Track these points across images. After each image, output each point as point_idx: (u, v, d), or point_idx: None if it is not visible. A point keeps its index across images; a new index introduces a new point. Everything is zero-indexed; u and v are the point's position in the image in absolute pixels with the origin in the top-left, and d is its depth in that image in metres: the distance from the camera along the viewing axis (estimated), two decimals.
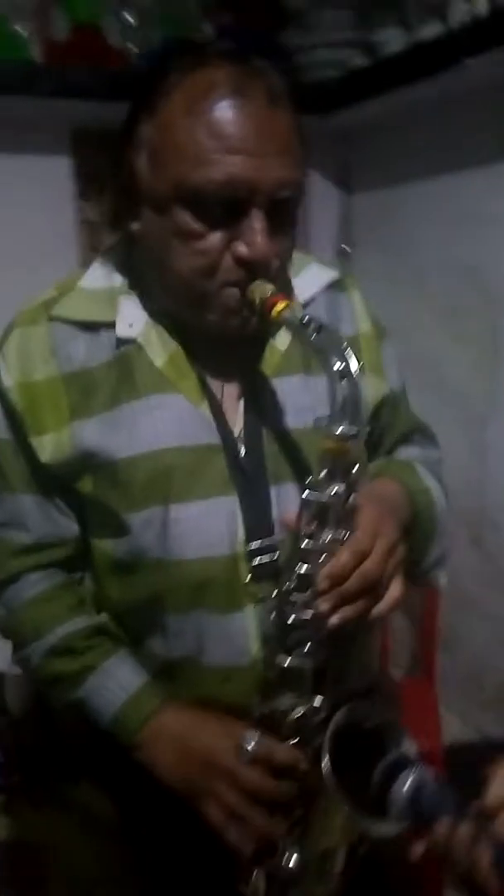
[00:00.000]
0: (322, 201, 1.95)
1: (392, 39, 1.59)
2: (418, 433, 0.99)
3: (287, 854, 0.78)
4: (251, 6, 1.72)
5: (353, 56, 1.66)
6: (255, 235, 0.72)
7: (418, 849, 0.66)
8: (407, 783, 0.68)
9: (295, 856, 0.78)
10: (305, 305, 0.87)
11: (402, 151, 1.76)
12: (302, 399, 0.82)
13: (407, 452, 0.96)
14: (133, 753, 0.81)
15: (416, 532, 0.85)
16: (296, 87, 1.72)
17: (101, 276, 0.83)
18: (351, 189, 1.96)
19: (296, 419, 0.82)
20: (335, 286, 0.90)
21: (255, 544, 0.80)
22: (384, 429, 0.94)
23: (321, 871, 0.79)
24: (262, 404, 0.82)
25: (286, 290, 0.77)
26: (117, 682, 0.81)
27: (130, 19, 1.58)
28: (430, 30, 1.47)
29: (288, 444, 0.81)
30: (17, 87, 1.40)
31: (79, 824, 1.02)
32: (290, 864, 0.78)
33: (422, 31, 1.49)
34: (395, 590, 0.74)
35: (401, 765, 0.70)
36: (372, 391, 0.89)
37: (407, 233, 1.78)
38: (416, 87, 1.48)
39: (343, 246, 1.98)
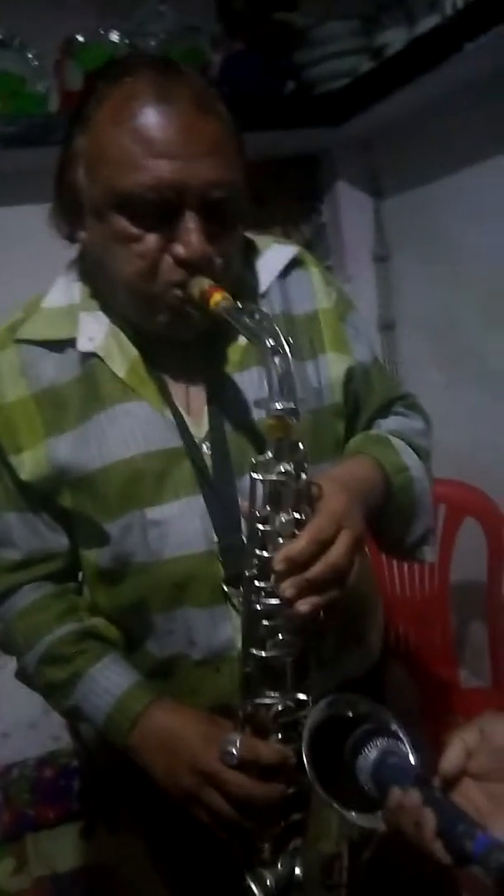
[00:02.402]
0: (353, 210, 1.95)
1: (396, 39, 1.58)
2: (399, 403, 0.97)
3: (286, 861, 0.76)
4: (260, 32, 1.76)
5: (361, 62, 1.67)
6: (190, 235, 0.73)
7: (381, 823, 0.63)
8: (371, 755, 0.65)
9: (293, 862, 0.76)
10: (267, 289, 0.87)
11: (426, 149, 1.73)
12: (262, 390, 0.82)
13: (385, 425, 0.94)
14: (130, 757, 0.81)
15: (394, 512, 0.82)
16: (309, 101, 1.77)
17: (61, 293, 0.85)
18: (381, 194, 1.94)
19: (258, 411, 0.81)
20: (295, 264, 0.90)
21: (224, 541, 0.79)
22: (357, 403, 0.92)
23: (325, 881, 0.76)
24: (225, 401, 0.82)
25: (233, 285, 0.77)
26: (104, 686, 0.82)
27: None
28: (430, 22, 1.45)
29: (252, 436, 0.81)
30: (35, 140, 1.49)
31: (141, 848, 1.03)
32: (291, 871, 0.76)
33: (421, 25, 1.48)
34: (351, 580, 0.71)
35: (368, 737, 0.67)
36: (335, 366, 0.88)
37: (441, 229, 1.75)
38: (422, 81, 1.46)
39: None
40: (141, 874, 1.11)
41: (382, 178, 1.92)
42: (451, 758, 0.59)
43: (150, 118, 0.72)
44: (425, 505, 0.89)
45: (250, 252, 0.88)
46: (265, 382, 0.81)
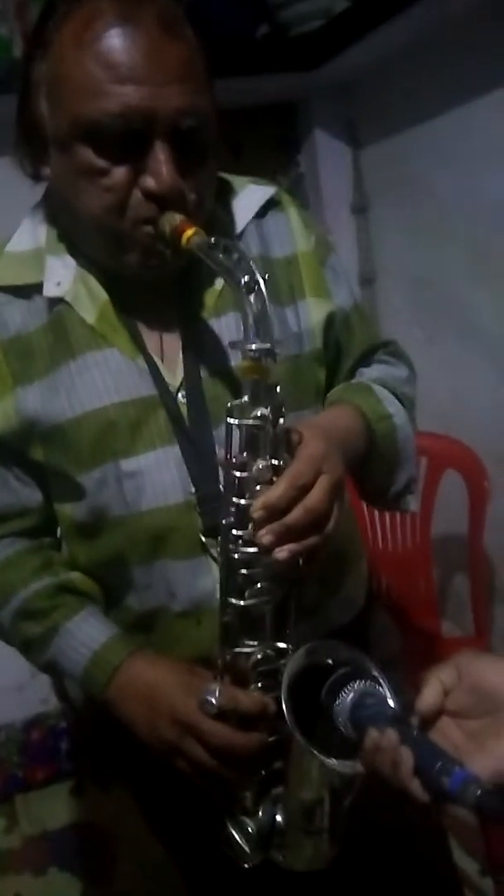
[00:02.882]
0: (331, 159, 1.91)
1: None
2: (382, 351, 0.94)
3: (267, 809, 0.76)
4: None
5: (336, 3, 1.61)
6: (160, 167, 0.69)
7: (358, 766, 0.62)
8: (349, 697, 0.64)
9: (274, 809, 0.76)
10: (243, 229, 0.84)
11: (404, 95, 1.69)
12: (238, 336, 0.79)
13: (368, 373, 0.91)
14: (109, 710, 0.80)
15: (377, 460, 0.81)
16: (283, 45, 1.70)
17: (26, 237, 0.82)
18: (359, 143, 1.90)
19: (235, 357, 0.79)
20: (272, 205, 0.87)
21: (202, 491, 0.78)
22: (339, 350, 0.89)
23: (307, 826, 0.76)
24: (201, 348, 0.80)
25: (206, 223, 0.74)
26: (80, 640, 0.80)
27: None
28: None
29: (229, 383, 0.78)
30: (2, 87, 1.43)
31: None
32: (272, 818, 0.76)
33: None
34: (331, 526, 0.69)
35: (346, 680, 0.66)
36: (315, 312, 0.85)
37: (423, 177, 1.71)
38: (399, 23, 1.42)
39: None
40: (132, 829, 1.12)
41: (361, 126, 1.88)
42: (428, 696, 0.59)
43: (115, 40, 0.68)
44: (409, 453, 0.87)
45: (225, 191, 0.85)
46: (241, 327, 0.80)
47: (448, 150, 1.61)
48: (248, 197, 0.86)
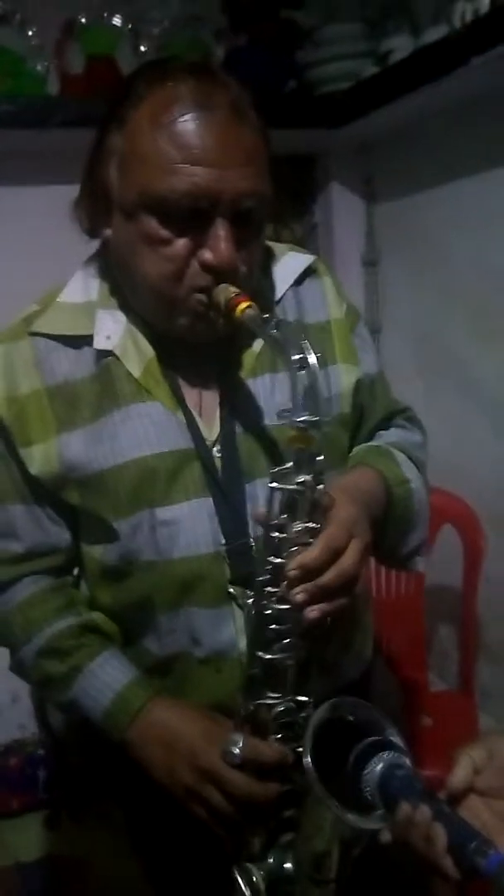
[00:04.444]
0: (346, 213, 1.97)
1: (401, 46, 1.59)
2: (399, 416, 0.99)
3: (277, 857, 0.77)
4: (264, 27, 1.75)
5: (364, 67, 1.67)
6: (220, 243, 0.74)
7: (387, 835, 0.64)
8: (377, 767, 0.66)
9: (284, 857, 0.77)
10: (282, 296, 0.88)
11: (423, 158, 1.75)
12: (273, 397, 0.83)
13: (387, 437, 0.95)
14: (126, 752, 0.81)
15: (392, 523, 0.84)
16: (310, 102, 1.76)
17: (79, 289, 0.85)
18: (374, 199, 1.96)
19: (269, 417, 0.82)
20: (309, 273, 0.91)
21: (231, 543, 0.80)
22: (362, 413, 0.93)
23: (315, 876, 0.77)
24: (237, 406, 0.83)
25: (258, 292, 0.78)
26: (103, 681, 0.82)
27: (144, 49, 1.63)
28: (436, 32, 1.46)
29: (263, 442, 0.82)
30: (34, 122, 1.47)
31: (115, 839, 1.03)
32: (281, 866, 0.77)
33: (428, 35, 1.49)
34: (359, 587, 0.73)
35: (374, 749, 0.68)
36: (345, 378, 0.89)
37: (432, 238, 1.77)
38: (425, 91, 1.48)
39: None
40: (106, 863, 1.11)
41: (377, 182, 1.94)
42: (460, 773, 0.61)
43: (190, 124, 0.72)
44: (423, 517, 0.91)
45: (267, 258, 0.89)
46: (275, 390, 0.83)
47: (461, 213, 1.67)
48: (288, 264, 0.90)
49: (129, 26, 1.66)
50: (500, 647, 1.65)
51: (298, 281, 0.90)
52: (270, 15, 1.75)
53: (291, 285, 0.89)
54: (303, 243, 2.00)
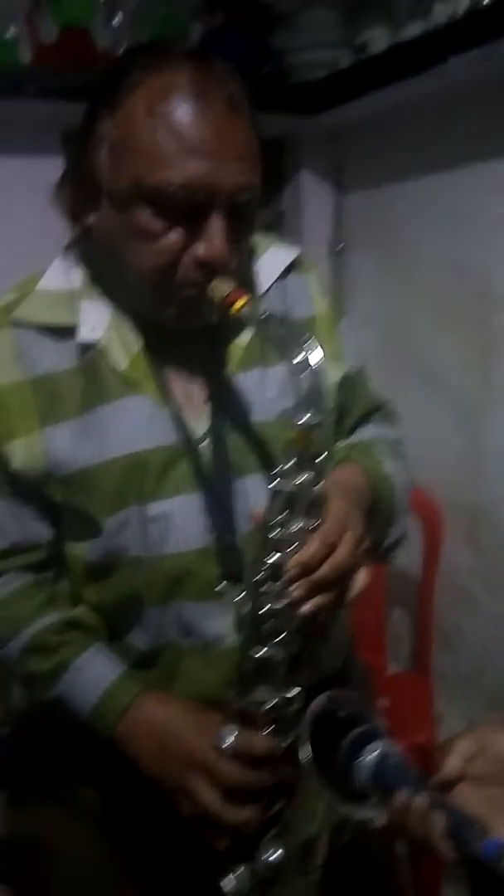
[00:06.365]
0: (315, 200, 1.96)
1: (378, 39, 1.60)
2: (378, 412, 1.00)
3: (267, 848, 0.79)
4: (241, 9, 1.73)
5: (340, 56, 1.67)
6: (215, 238, 0.73)
7: (380, 820, 0.67)
8: (370, 756, 0.69)
9: (275, 850, 0.79)
10: (267, 290, 0.88)
11: (394, 150, 1.77)
12: (263, 392, 0.84)
13: (367, 432, 0.97)
14: (115, 747, 0.81)
15: (377, 518, 0.86)
16: (285, 88, 1.75)
17: (60, 276, 0.83)
18: (344, 188, 1.97)
19: (258, 412, 0.83)
20: (293, 267, 0.91)
21: (220, 538, 0.81)
22: (343, 410, 0.94)
23: (303, 862, 0.80)
24: (225, 400, 0.83)
25: (245, 285, 0.78)
26: (90, 677, 0.81)
27: (119, 21, 1.59)
28: (414, 28, 1.47)
29: (252, 437, 0.82)
30: (5, 90, 1.42)
31: (79, 823, 1.03)
32: (271, 859, 0.79)
33: (406, 30, 1.50)
34: (360, 579, 0.76)
35: (365, 739, 0.70)
36: (331, 374, 0.89)
37: (399, 231, 1.79)
38: (402, 86, 1.49)
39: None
40: (70, 845, 1.11)
41: (347, 172, 1.94)
42: (453, 762, 0.64)
43: (187, 114, 0.71)
44: (403, 512, 0.93)
45: (251, 251, 0.89)
46: (266, 385, 0.83)
47: (429, 207, 1.69)
48: (273, 258, 0.90)
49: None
50: (454, 632, 1.72)
51: (283, 275, 0.90)
52: None
53: (277, 279, 0.89)
54: (269, 230, 1.99)
